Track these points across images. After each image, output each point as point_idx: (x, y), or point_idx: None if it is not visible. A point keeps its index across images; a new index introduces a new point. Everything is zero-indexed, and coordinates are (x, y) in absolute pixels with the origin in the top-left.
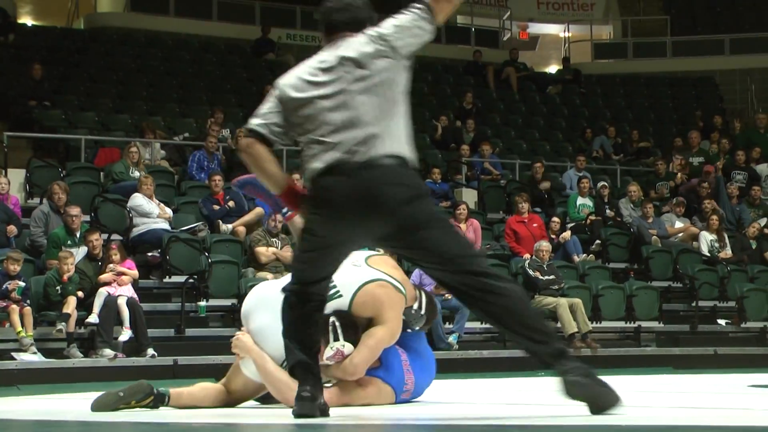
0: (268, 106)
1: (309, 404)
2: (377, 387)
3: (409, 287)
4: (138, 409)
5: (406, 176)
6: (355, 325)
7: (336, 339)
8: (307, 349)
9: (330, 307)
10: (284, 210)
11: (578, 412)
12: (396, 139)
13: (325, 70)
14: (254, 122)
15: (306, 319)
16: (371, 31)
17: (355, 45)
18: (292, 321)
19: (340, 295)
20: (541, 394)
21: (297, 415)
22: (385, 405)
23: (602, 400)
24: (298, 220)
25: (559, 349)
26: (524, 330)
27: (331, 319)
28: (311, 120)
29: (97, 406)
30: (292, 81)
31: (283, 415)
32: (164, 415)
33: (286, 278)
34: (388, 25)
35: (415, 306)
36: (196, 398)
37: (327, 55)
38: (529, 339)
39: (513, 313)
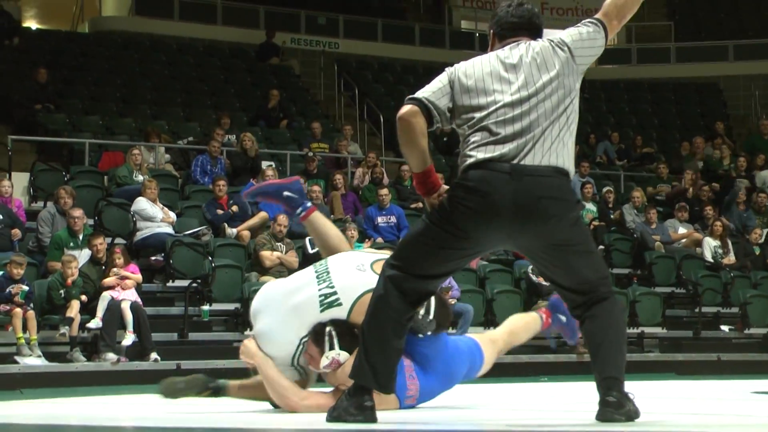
0: (437, 86)
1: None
2: (377, 393)
3: None
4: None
5: (570, 193)
6: (352, 333)
7: (331, 348)
8: (385, 356)
9: (328, 315)
10: (298, 211)
11: (582, 418)
12: (564, 150)
13: (508, 67)
14: (423, 95)
15: (397, 317)
16: (554, 38)
17: (540, 49)
18: (381, 315)
19: (340, 304)
20: (544, 400)
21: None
22: (388, 410)
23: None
24: (317, 217)
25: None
26: (612, 353)
27: (327, 328)
28: (484, 110)
29: (165, 393)
30: (469, 69)
31: (294, 422)
32: (168, 418)
33: (294, 277)
34: (570, 34)
35: (422, 312)
36: (253, 391)
37: (509, 53)
38: (614, 364)
39: (608, 334)
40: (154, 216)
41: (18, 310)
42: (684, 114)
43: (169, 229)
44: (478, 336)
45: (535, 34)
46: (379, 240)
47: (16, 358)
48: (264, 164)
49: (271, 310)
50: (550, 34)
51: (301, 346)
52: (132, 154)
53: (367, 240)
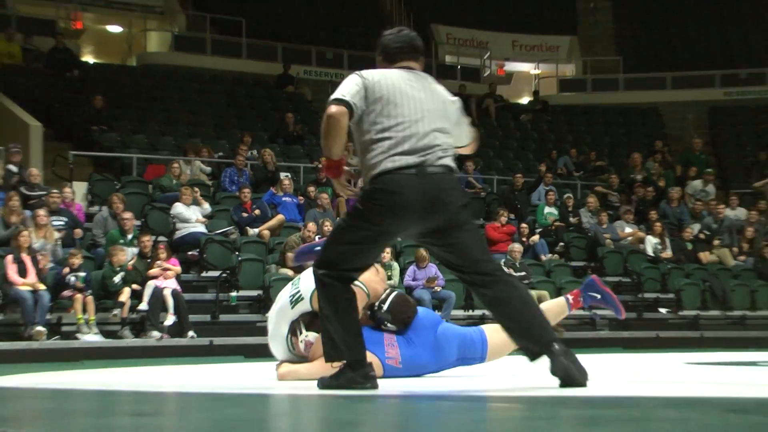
0: (355, 89)
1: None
2: None
3: (376, 288)
4: None
5: (459, 185)
6: (316, 316)
7: (301, 332)
8: (359, 336)
9: (297, 310)
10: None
11: (548, 384)
12: (451, 153)
13: (413, 86)
14: (347, 97)
15: (351, 302)
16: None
17: (434, 83)
18: (341, 308)
19: (302, 298)
20: (521, 372)
21: (374, 387)
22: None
23: (575, 378)
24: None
25: (549, 339)
26: (520, 323)
27: (297, 319)
28: (392, 119)
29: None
30: (381, 80)
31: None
32: (205, 385)
33: (282, 290)
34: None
35: (379, 305)
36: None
37: (412, 77)
38: (523, 331)
39: (512, 306)
40: (190, 218)
41: (79, 295)
42: (630, 134)
43: (203, 229)
44: (490, 325)
45: (419, 53)
46: None
47: (77, 335)
48: (282, 175)
49: (270, 318)
50: (519, 66)
51: (288, 339)
52: (172, 166)
53: None
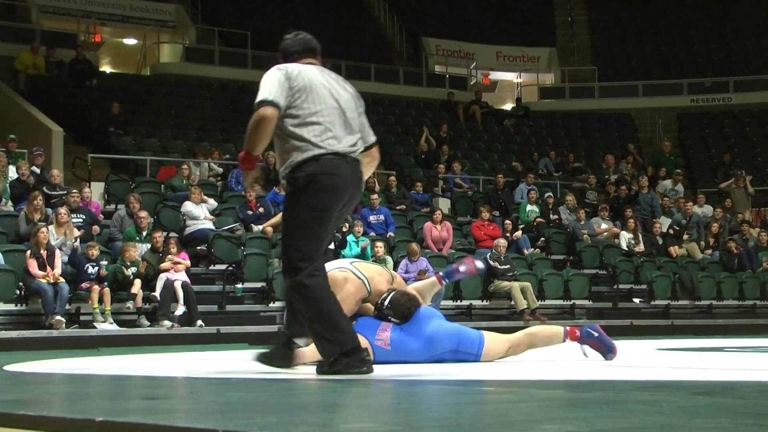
0: (280, 88)
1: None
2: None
3: (379, 287)
4: None
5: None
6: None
7: None
8: (348, 326)
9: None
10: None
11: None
12: (360, 145)
13: (328, 80)
14: (275, 99)
15: (331, 297)
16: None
17: (341, 80)
18: (324, 307)
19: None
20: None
21: (370, 371)
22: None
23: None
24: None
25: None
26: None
27: None
28: (314, 102)
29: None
30: (303, 74)
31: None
32: (213, 370)
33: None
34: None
35: (381, 301)
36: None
37: (325, 71)
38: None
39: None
40: (198, 215)
41: (96, 286)
42: (605, 137)
43: (211, 225)
44: (493, 333)
45: (316, 53)
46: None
47: (94, 324)
48: None
49: None
50: (503, 75)
51: None
52: (182, 168)
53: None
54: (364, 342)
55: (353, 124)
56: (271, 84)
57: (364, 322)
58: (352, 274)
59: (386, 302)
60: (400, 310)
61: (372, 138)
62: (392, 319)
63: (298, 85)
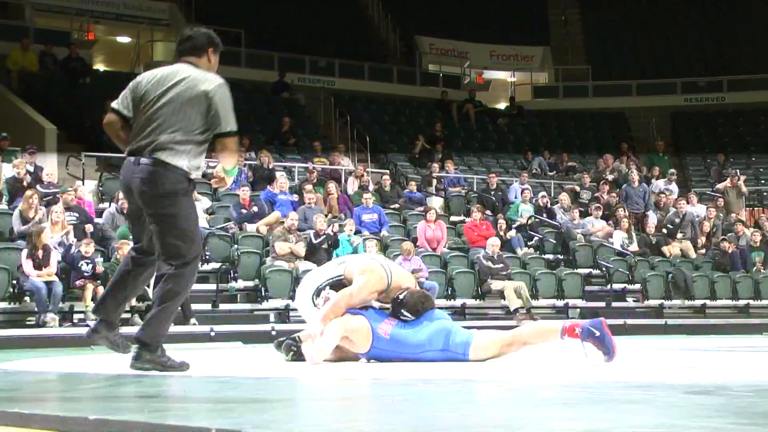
0: (124, 96)
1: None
2: (356, 320)
3: (401, 281)
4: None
5: (160, 176)
6: (343, 285)
7: (324, 289)
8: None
9: (333, 270)
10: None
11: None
12: (170, 148)
13: (164, 78)
14: (116, 105)
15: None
16: (208, 84)
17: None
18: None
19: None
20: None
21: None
22: (364, 341)
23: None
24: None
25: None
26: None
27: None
28: (137, 109)
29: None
30: (141, 79)
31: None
32: (206, 367)
33: (325, 268)
34: (217, 93)
35: (397, 296)
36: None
37: (172, 68)
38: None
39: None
40: None
41: (89, 284)
42: (599, 136)
43: (205, 224)
44: (485, 332)
45: (190, 53)
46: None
47: (88, 322)
48: (277, 174)
49: (305, 277)
50: (497, 74)
51: (312, 296)
52: None
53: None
54: (365, 325)
55: (161, 131)
56: (122, 93)
57: (374, 312)
58: (378, 267)
59: (402, 295)
60: (414, 308)
61: (231, 124)
62: (404, 314)
63: (136, 95)
